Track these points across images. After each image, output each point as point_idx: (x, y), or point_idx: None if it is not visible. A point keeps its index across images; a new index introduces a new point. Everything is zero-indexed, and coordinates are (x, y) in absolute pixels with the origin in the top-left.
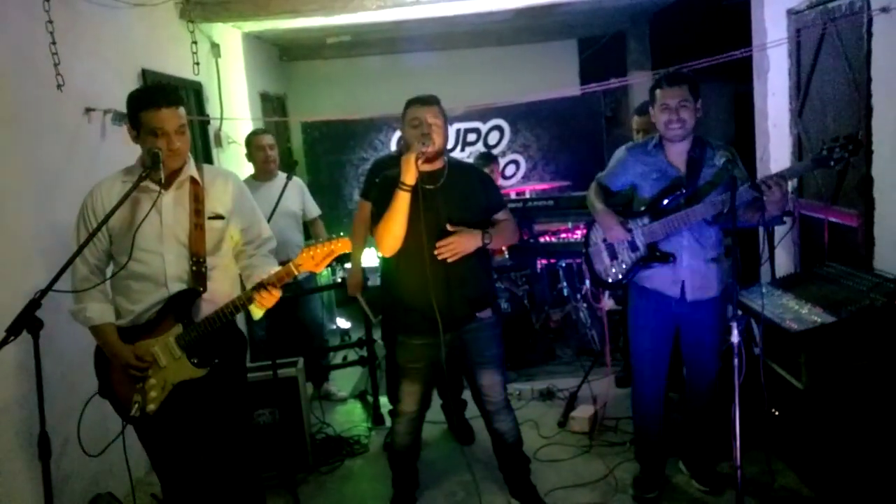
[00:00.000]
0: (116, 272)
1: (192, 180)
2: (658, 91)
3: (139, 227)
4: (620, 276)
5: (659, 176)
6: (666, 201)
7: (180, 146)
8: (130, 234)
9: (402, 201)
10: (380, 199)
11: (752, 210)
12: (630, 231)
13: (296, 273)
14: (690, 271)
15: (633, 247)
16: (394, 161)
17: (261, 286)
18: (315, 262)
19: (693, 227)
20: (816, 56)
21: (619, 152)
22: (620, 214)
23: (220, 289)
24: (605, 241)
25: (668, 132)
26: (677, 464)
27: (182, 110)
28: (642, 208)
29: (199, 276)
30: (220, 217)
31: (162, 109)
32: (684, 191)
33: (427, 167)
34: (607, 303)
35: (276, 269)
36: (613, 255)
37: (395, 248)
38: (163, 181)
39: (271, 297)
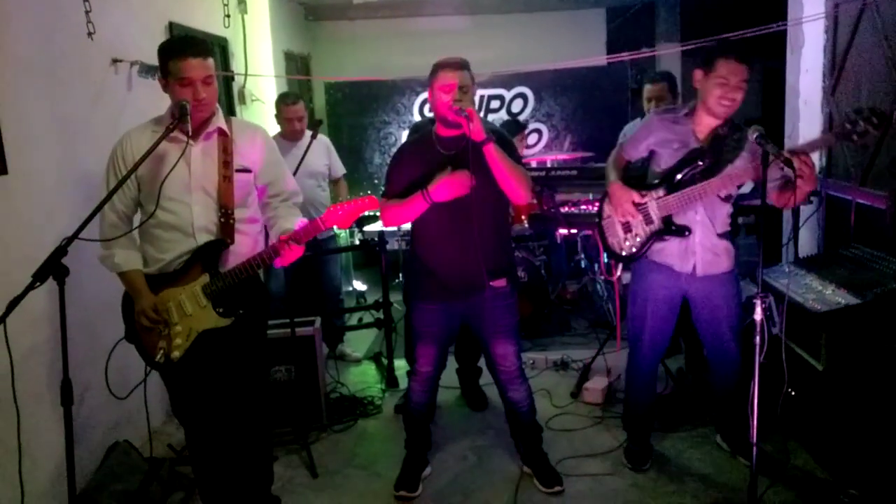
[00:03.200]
0: (144, 220)
1: (221, 132)
2: (722, 62)
3: (167, 176)
4: (635, 250)
5: (680, 146)
6: (682, 174)
7: (206, 97)
8: (158, 183)
9: (417, 207)
10: (397, 171)
11: (782, 191)
12: (644, 205)
13: (322, 228)
14: (702, 246)
15: (647, 220)
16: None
17: (287, 240)
18: (342, 218)
19: (706, 203)
20: (854, 33)
21: (647, 116)
22: (635, 186)
23: (246, 242)
24: None
25: (718, 107)
26: (714, 437)
27: (211, 62)
28: (657, 180)
29: (227, 227)
30: (247, 170)
31: (189, 59)
32: (702, 164)
33: (449, 132)
34: (624, 276)
35: (300, 220)
36: (627, 229)
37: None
38: (190, 133)
39: (293, 252)
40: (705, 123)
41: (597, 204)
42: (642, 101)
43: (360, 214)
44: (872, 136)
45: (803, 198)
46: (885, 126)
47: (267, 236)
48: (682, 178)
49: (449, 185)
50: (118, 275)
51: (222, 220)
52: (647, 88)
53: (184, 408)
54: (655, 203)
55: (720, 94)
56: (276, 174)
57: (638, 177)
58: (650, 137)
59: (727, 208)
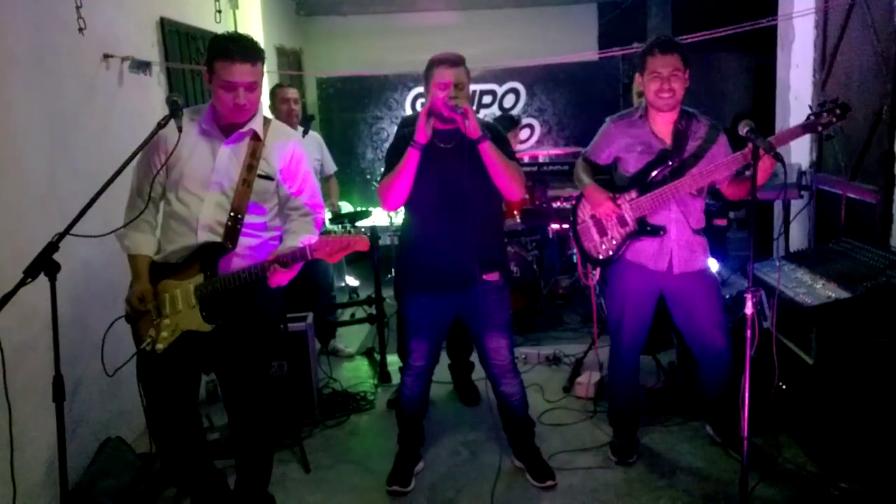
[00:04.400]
0: (143, 209)
1: (255, 136)
2: (649, 58)
3: (162, 166)
4: (611, 253)
5: (644, 149)
6: (653, 174)
7: (246, 103)
8: (183, 175)
9: (410, 159)
10: (392, 154)
11: (734, 182)
12: (619, 206)
13: (309, 258)
14: (678, 244)
15: (622, 222)
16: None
17: (274, 262)
18: (330, 252)
19: (679, 200)
20: (844, 27)
21: (604, 125)
22: (607, 189)
23: (258, 247)
24: (592, 217)
25: (658, 101)
26: (704, 428)
27: (259, 67)
28: (627, 182)
29: (232, 231)
30: (269, 178)
31: (236, 63)
32: (671, 163)
33: (443, 126)
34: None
35: (309, 238)
36: (602, 232)
37: (398, 205)
38: (180, 131)
39: (280, 276)
40: (660, 121)
41: None
42: (632, 95)
43: (349, 252)
44: (835, 127)
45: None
46: (846, 115)
47: None
48: (653, 179)
49: (425, 122)
50: (128, 256)
51: (230, 223)
52: (639, 81)
53: (155, 406)
54: (629, 205)
55: (657, 89)
56: (300, 187)
57: (608, 180)
58: (611, 146)
59: (700, 203)
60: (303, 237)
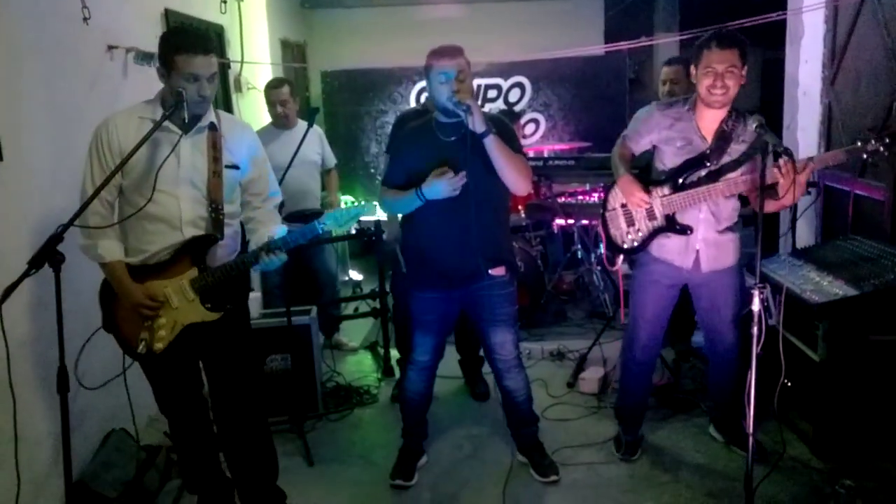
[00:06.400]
0: (133, 213)
1: (212, 127)
2: (705, 52)
3: (160, 168)
4: (636, 244)
5: (684, 144)
6: (688, 174)
7: (210, 94)
8: (149, 174)
9: (412, 203)
10: (399, 152)
11: (767, 195)
12: (650, 200)
13: (320, 232)
14: (705, 242)
15: (650, 215)
16: (418, 115)
17: (269, 248)
18: (340, 222)
19: (711, 201)
20: (854, 23)
21: (649, 109)
22: (640, 181)
23: (231, 236)
24: (623, 206)
25: (709, 97)
26: (708, 429)
27: (214, 58)
28: (663, 178)
29: (216, 222)
30: (235, 167)
31: (199, 56)
32: (708, 165)
33: (448, 119)
34: (622, 267)
35: (279, 227)
36: (630, 222)
37: None
38: (186, 121)
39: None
40: (708, 118)
41: (594, 194)
42: (648, 93)
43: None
44: (882, 155)
45: (776, 207)
46: (893, 149)
47: (243, 233)
48: (687, 179)
49: (440, 188)
50: (101, 265)
51: (212, 214)
52: (664, 70)
53: (167, 400)
54: (660, 200)
55: (710, 84)
56: (261, 172)
57: (642, 169)
58: (652, 134)
59: (733, 203)
60: (272, 228)
